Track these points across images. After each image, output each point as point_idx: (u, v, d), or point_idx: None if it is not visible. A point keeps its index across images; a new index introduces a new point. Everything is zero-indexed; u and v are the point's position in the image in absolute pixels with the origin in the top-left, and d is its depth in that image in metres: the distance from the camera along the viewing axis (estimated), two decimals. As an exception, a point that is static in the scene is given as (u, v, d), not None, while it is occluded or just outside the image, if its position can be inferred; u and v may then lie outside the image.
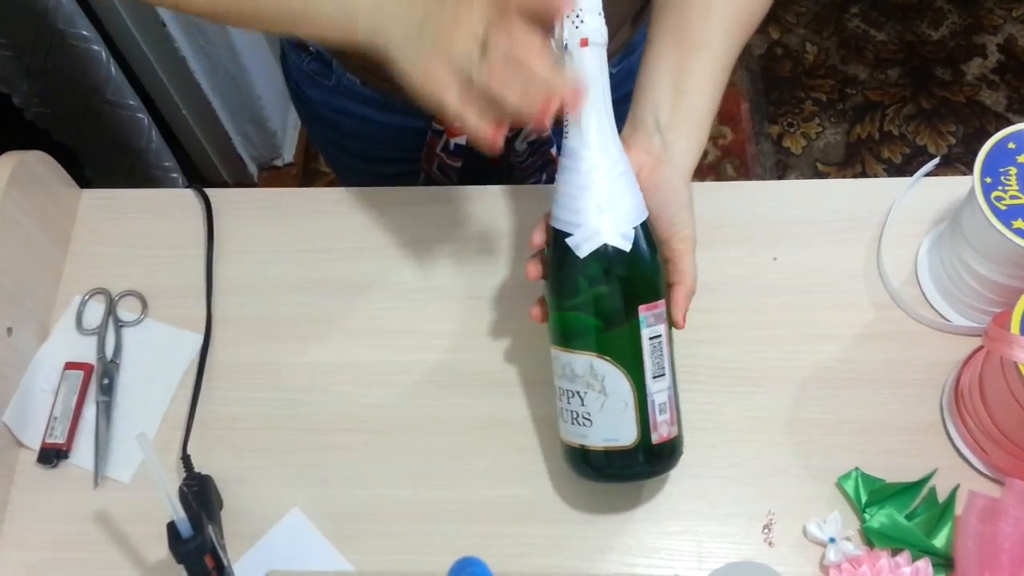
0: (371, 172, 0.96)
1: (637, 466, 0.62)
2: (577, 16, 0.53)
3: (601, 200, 0.57)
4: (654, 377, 0.61)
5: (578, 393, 0.61)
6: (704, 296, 0.74)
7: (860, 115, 1.98)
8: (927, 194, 0.79)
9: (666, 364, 0.61)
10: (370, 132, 0.89)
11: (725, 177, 1.92)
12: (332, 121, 0.90)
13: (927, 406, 0.70)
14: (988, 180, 0.66)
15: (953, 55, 2.07)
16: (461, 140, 0.85)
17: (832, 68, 2.05)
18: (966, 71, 2.04)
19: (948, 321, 0.72)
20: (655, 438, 0.61)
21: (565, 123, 0.57)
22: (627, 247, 0.58)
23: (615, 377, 0.60)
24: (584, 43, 0.53)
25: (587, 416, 0.61)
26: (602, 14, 0.54)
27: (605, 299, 0.60)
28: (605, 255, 0.58)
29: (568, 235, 0.58)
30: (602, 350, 0.60)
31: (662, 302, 0.61)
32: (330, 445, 0.71)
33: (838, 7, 2.13)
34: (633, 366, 0.60)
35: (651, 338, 0.60)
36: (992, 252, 0.66)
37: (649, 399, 0.61)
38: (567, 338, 0.61)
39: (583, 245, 0.58)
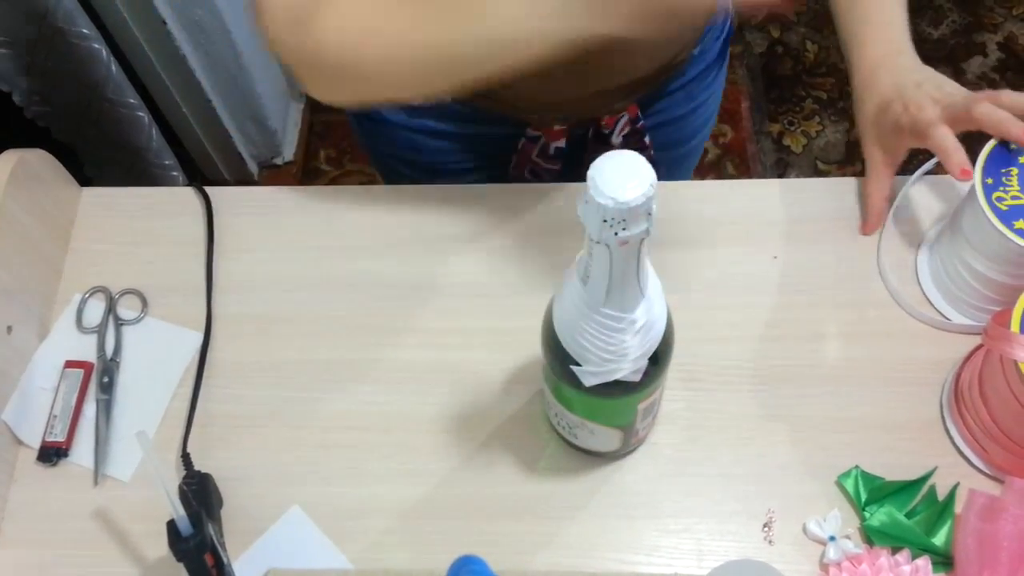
0: (439, 183, 0.92)
1: (613, 457, 0.69)
2: (621, 223, 0.44)
3: (622, 349, 0.52)
4: (643, 420, 0.63)
5: (568, 424, 0.64)
6: (704, 294, 0.75)
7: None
8: (927, 193, 0.79)
9: (656, 409, 0.63)
10: (452, 146, 0.88)
11: (725, 175, 1.92)
12: (409, 140, 0.88)
13: (927, 405, 0.70)
14: (989, 181, 0.66)
15: (953, 53, 2.07)
16: (561, 143, 0.85)
17: (833, 66, 2.05)
18: (967, 69, 2.04)
19: (948, 320, 0.72)
20: (633, 443, 0.68)
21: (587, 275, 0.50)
22: (637, 378, 0.55)
23: (606, 430, 0.63)
24: (622, 243, 0.45)
25: (574, 434, 0.65)
26: (648, 216, 0.45)
27: (603, 406, 0.59)
28: (612, 383, 0.55)
29: (575, 363, 0.54)
30: (595, 420, 0.62)
31: (662, 385, 0.61)
32: (330, 443, 0.71)
33: (839, 5, 2.13)
34: (625, 425, 0.63)
35: (644, 408, 0.61)
36: (993, 252, 0.66)
37: (634, 429, 0.64)
38: (560, 400, 0.62)
39: (590, 378, 0.55)
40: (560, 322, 0.54)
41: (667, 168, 0.97)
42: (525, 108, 0.82)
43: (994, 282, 0.68)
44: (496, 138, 0.86)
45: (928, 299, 0.74)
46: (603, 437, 0.64)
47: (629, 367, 0.53)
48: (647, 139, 0.88)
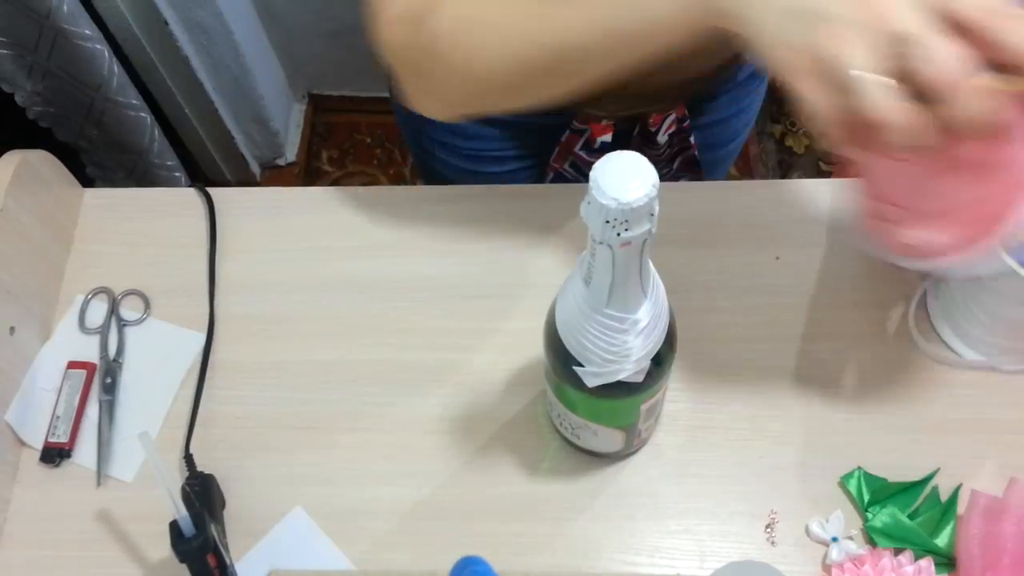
0: (481, 171, 0.92)
1: (616, 457, 0.69)
2: (623, 224, 0.44)
3: (625, 350, 0.52)
4: (645, 421, 0.63)
5: (570, 424, 0.64)
6: (706, 294, 0.75)
7: None
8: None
9: (658, 410, 0.63)
10: (495, 132, 0.87)
11: (727, 176, 1.92)
12: (447, 126, 0.87)
13: (930, 405, 0.70)
14: None
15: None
16: (607, 138, 0.84)
17: (835, 67, 2.04)
18: (969, 70, 2.03)
19: (960, 356, 0.71)
20: (636, 444, 0.68)
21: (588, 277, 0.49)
22: (640, 379, 0.55)
23: (608, 431, 0.63)
24: (626, 244, 0.45)
25: (576, 435, 0.65)
26: (651, 216, 0.44)
27: (606, 407, 0.59)
28: (615, 383, 0.54)
29: (578, 364, 0.54)
30: (598, 421, 0.62)
31: (664, 385, 0.61)
32: (332, 444, 0.71)
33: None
34: (628, 426, 0.63)
35: (647, 409, 0.61)
36: (1015, 294, 0.63)
37: (637, 430, 0.64)
38: (563, 401, 0.62)
39: (593, 379, 0.54)
40: (563, 323, 0.54)
41: (708, 169, 0.97)
42: (577, 99, 0.81)
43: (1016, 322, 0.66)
44: (540, 128, 0.85)
45: (940, 336, 0.72)
46: (606, 438, 0.64)
47: (632, 368, 0.53)
48: (692, 139, 0.88)
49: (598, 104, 0.82)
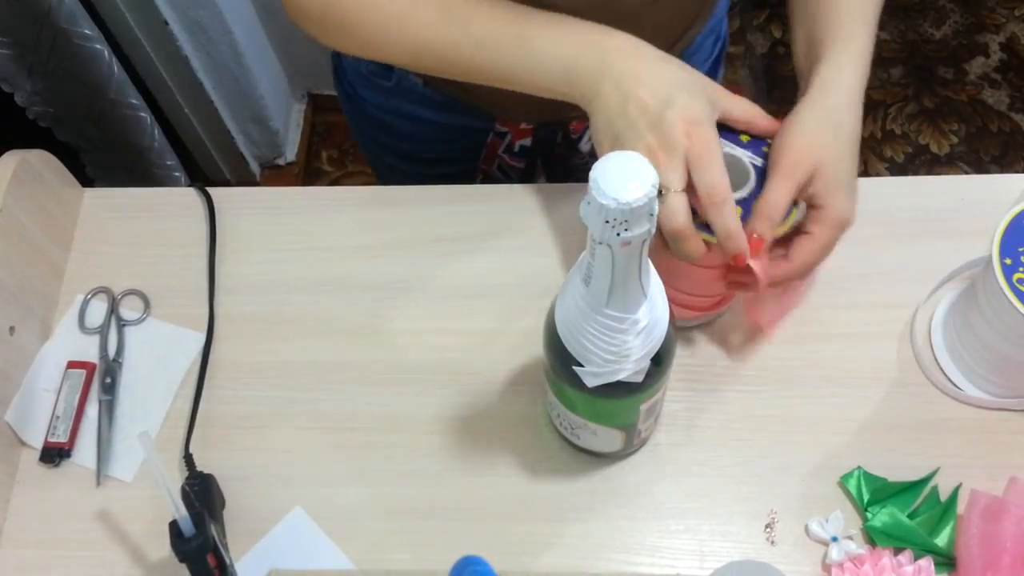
0: (417, 172, 0.95)
1: (615, 457, 0.69)
2: (623, 224, 0.44)
3: (625, 350, 0.52)
4: (645, 421, 0.63)
5: (570, 424, 0.64)
6: (706, 295, 0.75)
7: (862, 114, 1.98)
8: (929, 193, 0.79)
9: (658, 410, 0.63)
10: (424, 132, 0.89)
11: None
12: (384, 122, 0.90)
13: (929, 405, 0.70)
14: (1008, 262, 0.62)
15: (955, 54, 2.06)
16: (526, 142, 0.86)
17: (834, 67, 2.04)
18: (968, 70, 2.03)
19: (961, 390, 0.70)
20: (636, 444, 0.68)
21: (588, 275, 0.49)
22: (640, 379, 0.55)
23: (608, 431, 0.63)
24: (625, 244, 0.45)
25: (576, 435, 0.65)
26: (651, 217, 0.45)
27: (605, 407, 0.59)
28: (614, 383, 0.54)
29: (578, 364, 0.54)
30: (598, 421, 0.62)
31: (664, 386, 0.61)
32: (332, 444, 0.71)
33: (840, 6, 2.13)
34: (628, 426, 0.63)
35: (647, 409, 0.61)
36: (1020, 336, 0.63)
37: (636, 430, 0.64)
38: (563, 401, 0.62)
39: (593, 379, 0.54)
40: (562, 323, 0.54)
41: None
42: (492, 102, 0.82)
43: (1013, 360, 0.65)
44: (467, 130, 0.87)
45: (937, 363, 0.71)
46: (605, 438, 0.64)
47: (631, 368, 0.53)
48: None
49: (508, 110, 0.84)
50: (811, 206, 0.61)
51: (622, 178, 0.42)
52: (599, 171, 0.43)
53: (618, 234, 0.43)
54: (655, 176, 0.43)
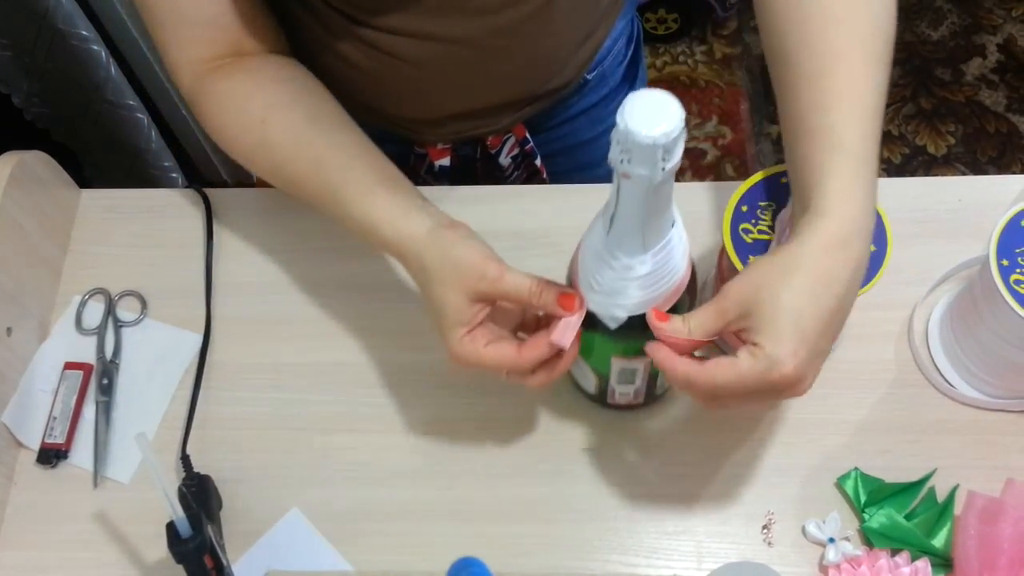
0: None
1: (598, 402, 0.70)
2: (627, 153, 0.45)
3: (610, 288, 0.54)
4: (619, 383, 0.64)
5: None
6: (705, 295, 0.75)
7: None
8: (927, 194, 0.79)
9: (637, 382, 0.64)
10: None
11: (724, 177, 1.92)
12: None
13: (926, 406, 0.70)
14: (1005, 263, 0.62)
15: (953, 55, 2.07)
16: (445, 162, 0.86)
17: (832, 68, 2.04)
18: (966, 71, 2.04)
19: (954, 387, 0.70)
20: (610, 403, 0.69)
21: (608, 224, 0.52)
22: (612, 326, 0.55)
23: (586, 368, 0.65)
24: (626, 176, 0.46)
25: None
26: (656, 164, 0.45)
27: (585, 337, 0.59)
28: (592, 316, 0.56)
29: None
30: (582, 352, 0.62)
31: (643, 364, 0.61)
32: (329, 445, 0.71)
33: (838, 7, 2.13)
34: (601, 373, 0.64)
35: (620, 371, 0.62)
36: (1017, 337, 0.63)
37: (610, 387, 0.65)
38: None
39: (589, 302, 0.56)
40: (583, 240, 0.56)
41: (578, 173, 0.97)
42: (407, 126, 0.83)
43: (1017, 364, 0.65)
44: (393, 155, 0.87)
45: (933, 359, 0.71)
46: (583, 373, 0.66)
47: (610, 307, 0.54)
48: (538, 162, 0.89)
49: (422, 133, 0.84)
50: (746, 342, 0.53)
51: (645, 112, 0.44)
52: (635, 96, 0.44)
53: (621, 161, 0.45)
54: (673, 130, 0.44)
